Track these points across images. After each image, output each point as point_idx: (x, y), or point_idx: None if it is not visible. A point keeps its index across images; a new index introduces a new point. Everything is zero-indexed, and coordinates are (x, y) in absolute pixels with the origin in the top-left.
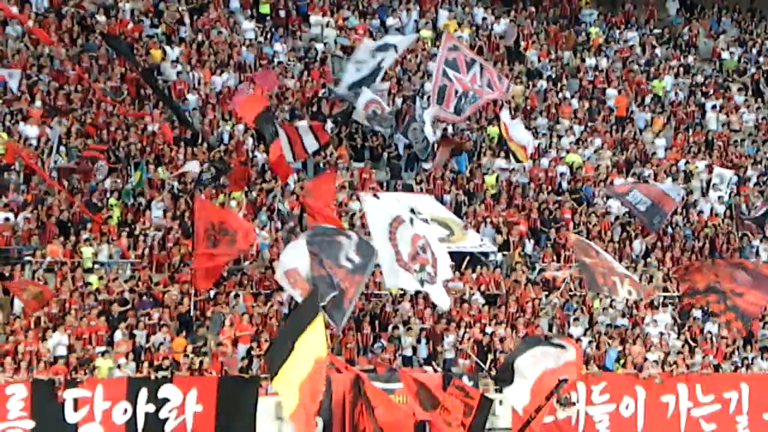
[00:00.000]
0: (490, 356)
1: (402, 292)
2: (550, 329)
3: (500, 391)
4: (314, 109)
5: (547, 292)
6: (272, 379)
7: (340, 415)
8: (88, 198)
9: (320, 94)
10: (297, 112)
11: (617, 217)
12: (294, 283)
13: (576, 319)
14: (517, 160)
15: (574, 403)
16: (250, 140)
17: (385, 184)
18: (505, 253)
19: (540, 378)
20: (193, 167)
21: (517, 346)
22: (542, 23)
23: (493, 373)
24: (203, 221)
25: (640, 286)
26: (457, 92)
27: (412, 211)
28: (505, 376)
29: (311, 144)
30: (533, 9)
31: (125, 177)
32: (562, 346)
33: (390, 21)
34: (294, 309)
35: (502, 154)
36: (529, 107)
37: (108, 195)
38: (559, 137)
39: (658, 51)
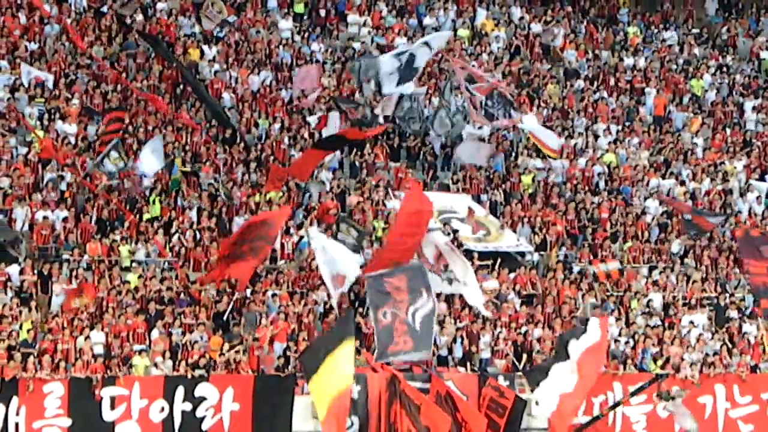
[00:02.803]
0: (525, 356)
1: (438, 292)
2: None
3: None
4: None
5: (583, 293)
6: (307, 381)
7: (376, 414)
8: (126, 197)
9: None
10: (333, 110)
11: (654, 218)
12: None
13: (617, 320)
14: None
15: (673, 398)
16: (286, 139)
17: (421, 184)
18: (542, 253)
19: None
20: None
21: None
22: (580, 23)
23: (528, 370)
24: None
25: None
26: (480, 102)
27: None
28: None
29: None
30: (570, 9)
31: (168, 176)
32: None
33: (427, 20)
34: (335, 324)
35: (540, 153)
36: (566, 107)
37: (148, 193)
38: (596, 137)
39: (696, 50)
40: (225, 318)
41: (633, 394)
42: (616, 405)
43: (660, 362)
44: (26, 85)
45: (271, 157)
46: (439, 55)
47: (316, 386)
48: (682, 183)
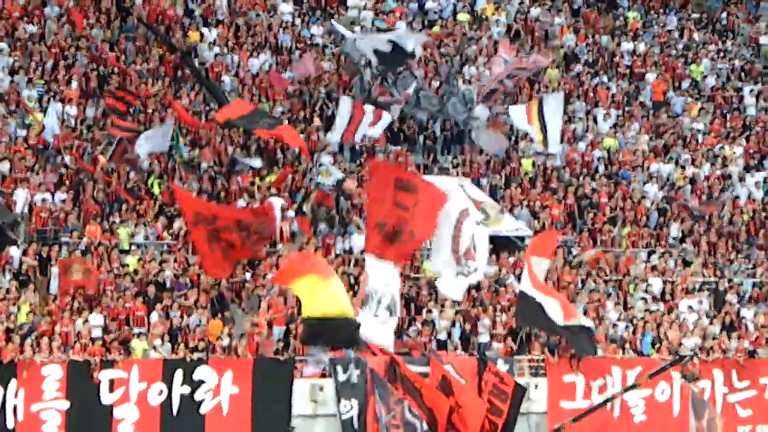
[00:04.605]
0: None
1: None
2: (585, 314)
3: (536, 375)
4: (350, 92)
5: (583, 277)
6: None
7: (374, 398)
8: (125, 179)
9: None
10: (333, 94)
11: (654, 202)
12: None
13: (616, 304)
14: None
15: (698, 378)
16: (286, 122)
17: (421, 168)
18: None
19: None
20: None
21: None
22: (580, 7)
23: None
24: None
25: None
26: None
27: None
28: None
29: (365, 129)
30: None
31: (167, 158)
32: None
33: (429, 4)
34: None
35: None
36: (565, 92)
37: (146, 176)
38: (596, 121)
39: (696, 35)
40: (224, 301)
41: (653, 375)
42: (632, 387)
43: (658, 346)
44: (27, 68)
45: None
46: (439, 39)
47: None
48: (682, 167)
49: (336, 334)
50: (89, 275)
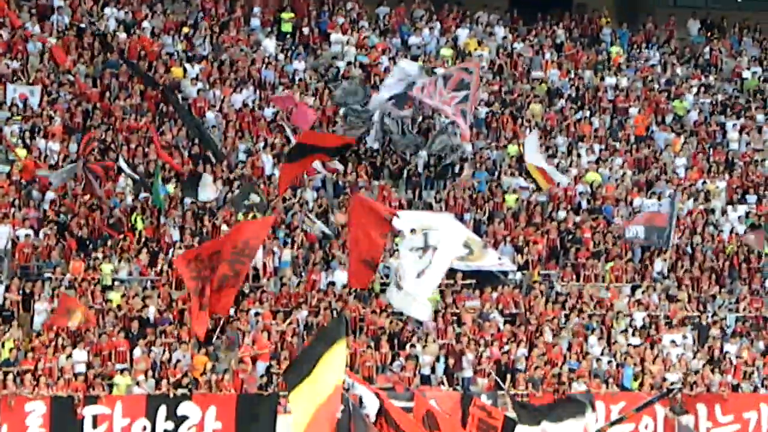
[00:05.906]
0: (509, 376)
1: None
2: (570, 348)
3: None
4: (334, 127)
5: (566, 312)
6: (289, 395)
7: None
8: (108, 215)
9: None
10: (318, 129)
11: (637, 237)
12: None
13: (599, 339)
14: (539, 188)
15: (687, 411)
16: (264, 157)
17: (405, 203)
18: (525, 272)
19: None
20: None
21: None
22: (562, 42)
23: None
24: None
25: None
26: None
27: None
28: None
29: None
30: (553, 28)
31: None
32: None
33: (412, 39)
34: (319, 330)
35: (522, 173)
36: (548, 126)
37: (130, 212)
38: (579, 156)
39: (678, 70)
40: (210, 337)
41: (640, 408)
42: (618, 420)
43: (640, 381)
44: (8, 103)
45: (253, 177)
46: None
47: (300, 396)
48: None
49: None
50: (82, 322)
